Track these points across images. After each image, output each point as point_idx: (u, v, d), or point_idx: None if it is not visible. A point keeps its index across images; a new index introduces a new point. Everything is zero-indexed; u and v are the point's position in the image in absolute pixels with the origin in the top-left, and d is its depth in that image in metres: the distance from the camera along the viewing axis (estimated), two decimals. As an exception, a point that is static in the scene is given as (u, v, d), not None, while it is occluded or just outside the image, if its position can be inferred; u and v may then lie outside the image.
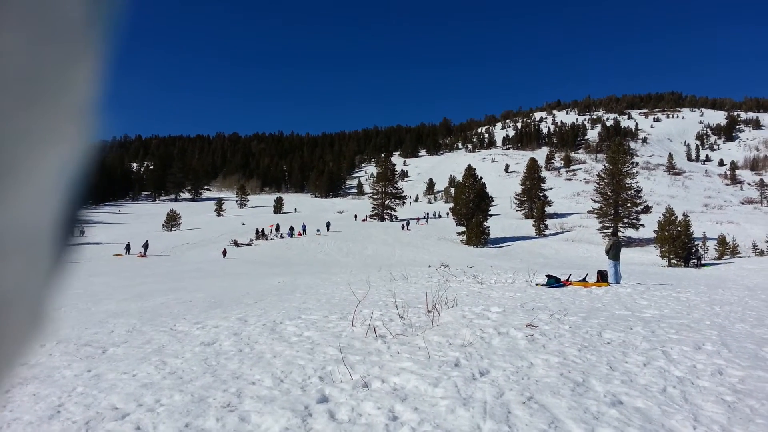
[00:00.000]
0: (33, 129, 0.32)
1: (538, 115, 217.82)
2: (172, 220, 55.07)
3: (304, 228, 49.24)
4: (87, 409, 3.66)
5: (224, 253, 35.06)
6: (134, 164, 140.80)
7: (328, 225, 52.02)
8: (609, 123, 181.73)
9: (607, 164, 54.44)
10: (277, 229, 49.81)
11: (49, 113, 0.33)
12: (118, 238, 43.30)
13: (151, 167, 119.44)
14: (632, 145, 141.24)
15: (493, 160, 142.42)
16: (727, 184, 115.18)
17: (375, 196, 69.74)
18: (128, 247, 36.68)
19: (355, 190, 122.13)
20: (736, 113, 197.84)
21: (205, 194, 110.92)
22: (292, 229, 48.96)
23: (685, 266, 33.53)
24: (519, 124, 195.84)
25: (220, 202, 76.39)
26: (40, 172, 0.34)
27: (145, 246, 36.22)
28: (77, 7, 0.34)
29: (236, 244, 40.46)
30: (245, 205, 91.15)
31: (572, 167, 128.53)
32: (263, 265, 28.23)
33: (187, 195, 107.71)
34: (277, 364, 4.79)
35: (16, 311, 0.36)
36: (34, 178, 0.34)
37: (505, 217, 67.60)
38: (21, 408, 3.72)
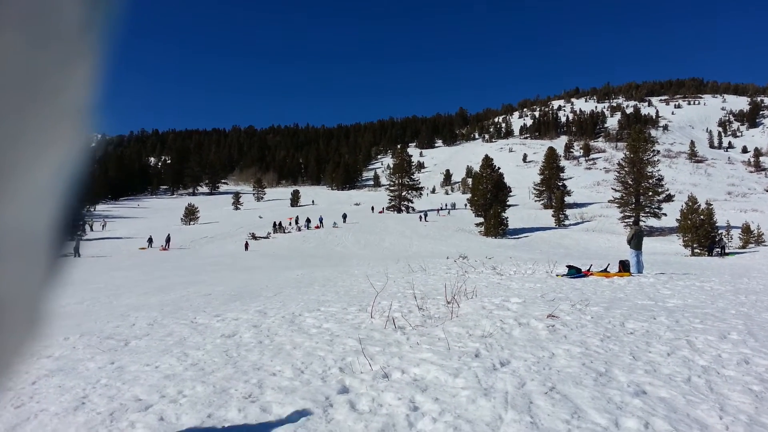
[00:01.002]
0: (30, 130, 0.32)
1: (556, 104, 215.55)
2: (191, 214, 55.68)
3: (321, 221, 49.43)
4: (111, 401, 3.70)
5: (246, 246, 35.57)
6: (152, 158, 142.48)
7: (344, 217, 52.23)
8: (629, 110, 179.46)
9: (627, 152, 53.55)
10: (296, 222, 50.03)
11: (47, 115, 0.33)
12: (138, 232, 43.93)
13: (169, 161, 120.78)
14: (653, 132, 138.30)
15: (510, 150, 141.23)
16: (751, 172, 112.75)
17: (392, 188, 69.75)
18: (150, 240, 37.53)
19: (371, 182, 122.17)
20: (759, 99, 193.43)
21: (222, 188, 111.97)
22: (308, 221, 49.19)
23: (708, 255, 32.99)
24: (537, 113, 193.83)
25: (237, 196, 76.98)
26: (37, 174, 0.34)
27: (167, 239, 37.00)
28: (75, 8, 0.34)
29: (254, 237, 40.73)
30: (262, 198, 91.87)
31: (592, 156, 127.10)
32: (281, 258, 28.39)
33: (205, 189, 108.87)
34: (297, 355, 4.81)
35: (13, 313, 0.36)
36: (31, 180, 0.34)
37: (524, 207, 67.16)
38: (47, 399, 3.78)
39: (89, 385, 4.13)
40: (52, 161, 0.35)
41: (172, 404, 3.56)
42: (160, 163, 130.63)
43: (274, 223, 47.33)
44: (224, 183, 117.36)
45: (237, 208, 73.08)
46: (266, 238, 41.97)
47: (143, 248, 36.24)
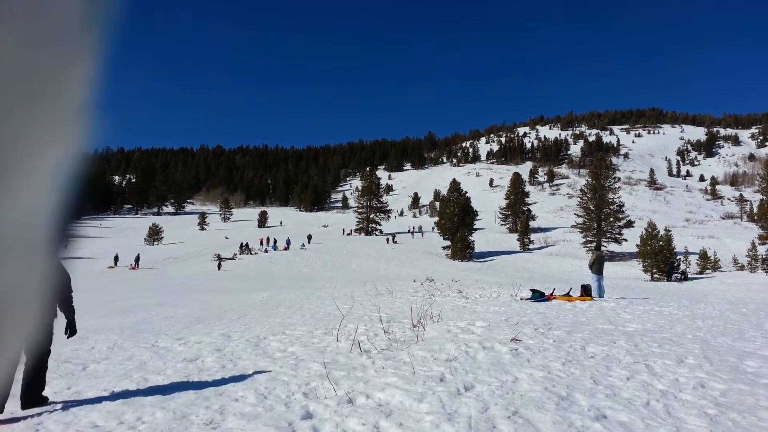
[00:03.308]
0: (29, 130, 0.32)
1: (521, 130, 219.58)
2: (155, 234, 54.57)
3: (288, 242, 49.05)
4: (67, 428, 3.59)
5: (219, 266, 35.37)
6: (116, 177, 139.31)
7: (309, 238, 52.06)
8: (591, 138, 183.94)
9: (589, 179, 55.05)
10: (267, 242, 49.51)
11: (46, 115, 0.33)
12: (101, 252, 42.78)
13: (134, 180, 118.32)
14: (614, 160, 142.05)
15: (477, 175, 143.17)
16: (708, 200, 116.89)
17: (360, 210, 69.69)
18: (116, 258, 36.88)
19: (339, 204, 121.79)
20: (715, 129, 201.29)
21: (189, 208, 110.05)
22: (275, 242, 48.79)
23: (667, 280, 33.88)
24: (503, 139, 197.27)
25: (203, 216, 75.80)
26: (36, 173, 0.34)
27: (137, 259, 36.56)
28: (73, 9, 0.34)
29: (220, 258, 40.15)
30: (229, 218, 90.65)
31: (556, 182, 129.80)
32: (247, 279, 28.01)
33: (170, 208, 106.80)
34: (260, 380, 4.75)
35: (13, 311, 0.36)
36: (30, 179, 0.34)
37: (490, 231, 67.92)
38: (-2, 427, 3.64)
39: (44, 411, 4.00)
40: (52, 161, 0.35)
41: (131, 431, 3.46)
42: (124, 182, 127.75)
43: (241, 244, 46.75)
44: (190, 203, 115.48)
45: (203, 229, 71.92)
46: (232, 259, 41.36)
47: (111, 267, 35.90)
